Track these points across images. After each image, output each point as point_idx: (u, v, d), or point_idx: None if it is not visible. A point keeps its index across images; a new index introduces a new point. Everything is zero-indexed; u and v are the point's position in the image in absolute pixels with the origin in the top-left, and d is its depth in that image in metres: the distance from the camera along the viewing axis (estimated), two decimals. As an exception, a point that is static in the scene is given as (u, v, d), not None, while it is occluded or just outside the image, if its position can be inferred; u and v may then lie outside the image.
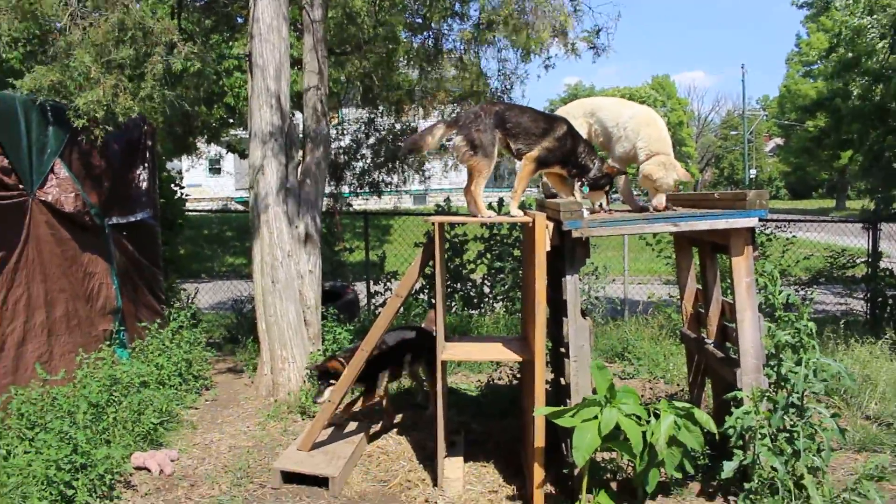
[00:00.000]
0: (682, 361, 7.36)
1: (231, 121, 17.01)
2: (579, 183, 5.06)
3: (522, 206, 5.24)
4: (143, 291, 7.84)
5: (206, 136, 16.52)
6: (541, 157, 4.88)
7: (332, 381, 5.57)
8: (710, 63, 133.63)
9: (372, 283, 11.37)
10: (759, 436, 4.49)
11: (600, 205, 5.18)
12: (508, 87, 9.30)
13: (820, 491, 4.43)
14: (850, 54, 17.78)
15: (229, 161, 40.55)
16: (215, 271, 18.67)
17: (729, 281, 4.92)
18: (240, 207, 32.55)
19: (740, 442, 4.60)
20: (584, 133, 5.37)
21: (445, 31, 8.98)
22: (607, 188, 5.14)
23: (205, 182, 42.70)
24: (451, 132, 4.87)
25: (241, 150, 20.74)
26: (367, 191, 10.74)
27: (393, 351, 6.10)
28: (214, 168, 43.17)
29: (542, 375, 4.64)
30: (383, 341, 5.87)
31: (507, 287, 10.19)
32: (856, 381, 6.52)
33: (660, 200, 5.00)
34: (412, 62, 9.16)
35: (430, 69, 9.08)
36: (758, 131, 63.44)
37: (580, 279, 4.94)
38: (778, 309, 4.73)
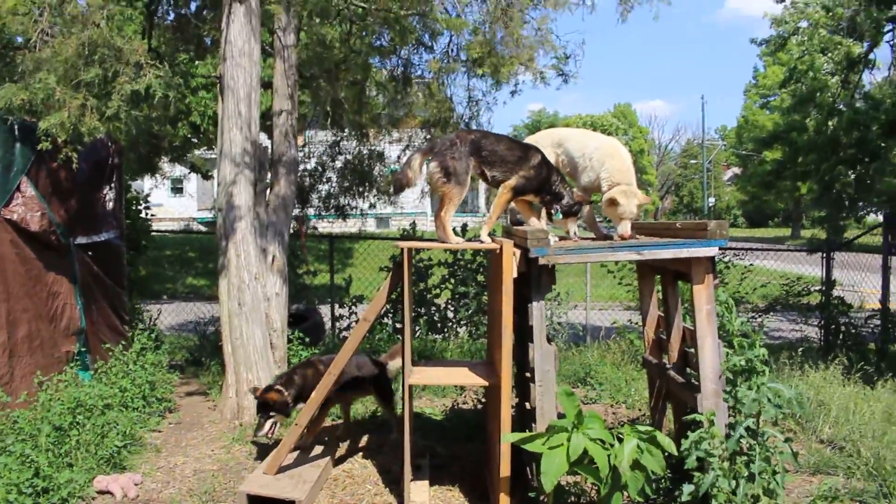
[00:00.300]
0: (644, 386, 7.51)
1: (195, 140, 16.96)
2: (553, 210, 5.17)
3: (490, 234, 5.33)
4: (108, 312, 7.78)
5: (170, 157, 16.44)
6: (518, 186, 4.99)
7: (271, 414, 5.61)
8: (670, 92, 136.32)
9: (336, 306, 11.38)
10: (716, 459, 4.61)
11: (573, 232, 5.30)
12: (476, 113, 9.44)
13: (772, 507, 4.56)
14: (804, 89, 18.36)
15: (192, 181, 40.22)
16: (177, 292, 18.50)
17: (689, 308, 5.05)
18: (202, 228, 32.33)
19: (696, 464, 4.71)
20: None
21: (414, 62, 9.12)
22: (578, 215, 5.28)
23: (167, 202, 42.27)
24: (427, 158, 4.96)
25: (204, 171, 20.64)
26: (334, 214, 10.77)
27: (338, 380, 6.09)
28: (177, 188, 42.79)
29: (508, 400, 4.72)
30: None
31: (470, 312, 10.28)
32: (805, 406, 6.73)
33: (625, 228, 5.12)
34: (381, 88, 9.26)
35: (398, 96, 9.19)
36: (716, 160, 64.72)
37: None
38: (733, 336, 4.89)
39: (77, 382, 6.44)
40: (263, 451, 6.22)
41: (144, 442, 6.41)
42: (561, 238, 5.12)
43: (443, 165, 4.83)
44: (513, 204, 5.62)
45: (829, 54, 15.88)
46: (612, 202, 5.12)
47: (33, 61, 6.12)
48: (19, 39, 6.50)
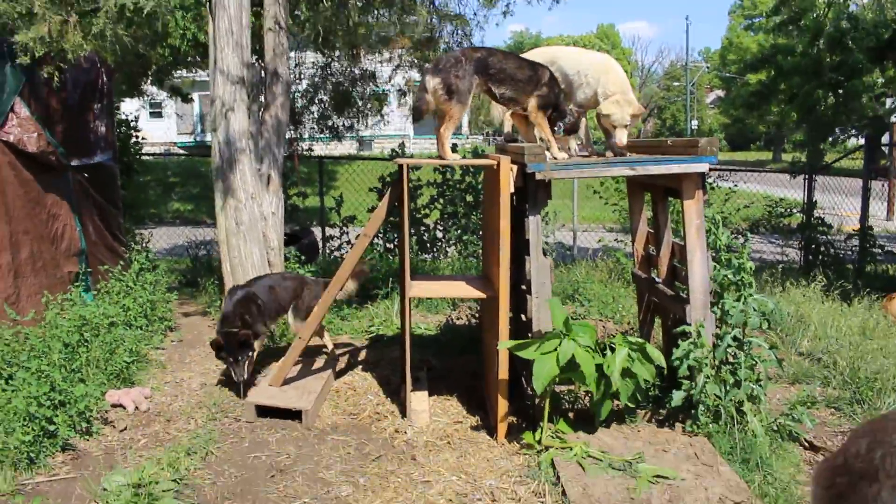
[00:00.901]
0: (631, 303, 7.76)
1: (175, 61, 16.66)
2: (556, 127, 5.27)
3: (478, 153, 5.43)
4: (105, 234, 7.86)
5: (151, 79, 16.19)
6: (540, 105, 5.11)
7: (249, 353, 5.68)
8: (653, 13, 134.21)
9: (327, 227, 11.51)
10: (705, 367, 4.86)
11: (574, 148, 5.42)
12: (468, 32, 9.39)
13: (758, 417, 4.84)
14: (793, 10, 18.21)
15: (170, 105, 39.60)
16: (163, 217, 18.51)
17: (679, 223, 5.22)
18: (183, 152, 32.03)
19: (687, 373, 4.97)
20: None
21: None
22: (577, 132, 5.40)
23: (146, 126, 41.57)
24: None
25: (185, 94, 20.35)
26: (328, 136, 10.80)
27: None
28: (155, 112, 42.10)
29: (506, 311, 4.93)
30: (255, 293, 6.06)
31: (459, 231, 10.45)
32: (788, 318, 7.01)
33: (621, 137, 5.19)
34: (372, 6, 9.16)
35: (387, 14, 9.12)
36: (699, 83, 64.38)
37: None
38: (721, 250, 5.09)
39: (81, 302, 6.56)
40: (265, 365, 6.43)
41: (150, 359, 6.60)
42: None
43: (446, 82, 4.90)
44: (511, 120, 5.72)
45: None
46: (607, 114, 5.21)
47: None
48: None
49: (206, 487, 4.36)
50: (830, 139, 17.85)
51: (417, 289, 5.55)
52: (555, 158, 5.02)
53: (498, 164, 4.80)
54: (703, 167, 4.90)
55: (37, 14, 5.92)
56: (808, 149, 17.20)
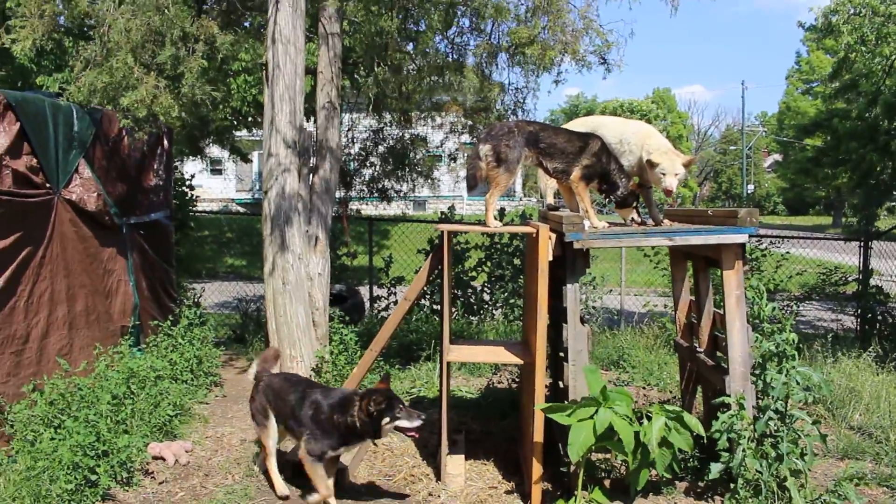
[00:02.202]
0: (675, 370, 7.65)
1: (235, 123, 17.28)
2: (610, 199, 5.33)
3: (526, 216, 5.49)
4: (157, 289, 8.12)
5: (213, 139, 16.81)
6: (584, 176, 5.20)
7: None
8: (709, 77, 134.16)
9: (375, 288, 11.66)
10: (744, 439, 4.77)
11: (632, 219, 5.46)
12: (521, 100, 9.54)
13: (802, 493, 4.71)
14: (848, 75, 18.13)
15: (230, 163, 40.76)
16: (217, 272, 18.93)
17: (720, 293, 5.19)
18: (241, 209, 32.84)
19: (727, 445, 4.88)
20: None
21: (459, 45, 9.22)
22: (634, 204, 5.43)
23: (206, 183, 42.87)
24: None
25: (244, 154, 21.02)
26: (377, 197, 11.01)
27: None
28: (216, 169, 43.38)
29: (542, 376, 4.93)
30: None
31: (506, 294, 10.48)
32: (836, 390, 6.81)
33: (670, 183, 5.20)
34: (424, 74, 9.40)
35: (442, 81, 9.34)
36: (756, 147, 63.88)
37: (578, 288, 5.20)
38: (764, 320, 5.03)
39: (130, 355, 6.76)
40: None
41: (193, 413, 6.73)
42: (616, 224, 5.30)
43: (496, 150, 5.03)
44: (551, 191, 5.79)
45: (881, 42, 15.62)
46: (651, 163, 5.23)
47: (102, 45, 6.42)
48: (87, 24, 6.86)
49: (238, 544, 4.40)
50: (891, 204, 17.57)
51: (456, 353, 5.60)
52: (594, 227, 5.06)
53: (537, 233, 4.86)
54: (742, 238, 4.89)
55: (135, 79, 6.33)
56: (860, 214, 16.92)
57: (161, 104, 6.32)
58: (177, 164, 12.07)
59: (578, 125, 5.96)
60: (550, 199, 6.10)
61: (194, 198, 11.41)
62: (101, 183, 6.97)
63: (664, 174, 5.21)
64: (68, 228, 6.57)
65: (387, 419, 4.56)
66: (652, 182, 5.41)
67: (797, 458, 4.78)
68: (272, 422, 5.13)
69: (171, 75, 6.57)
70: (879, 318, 10.45)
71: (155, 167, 8.15)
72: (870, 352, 8.04)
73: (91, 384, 5.84)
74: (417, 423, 4.61)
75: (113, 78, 6.27)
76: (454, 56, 9.14)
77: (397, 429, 4.65)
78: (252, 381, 5.59)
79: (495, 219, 5.41)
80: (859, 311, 10.92)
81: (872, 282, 10.91)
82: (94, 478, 4.82)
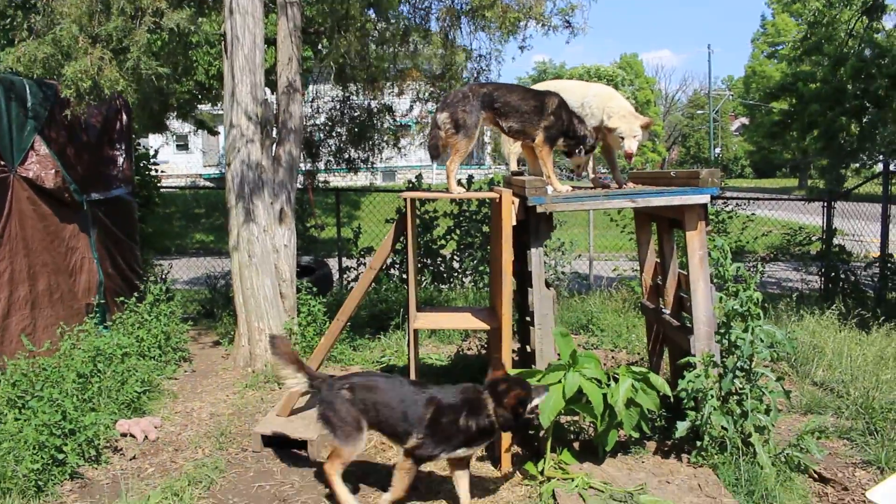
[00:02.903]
0: (643, 332, 7.72)
1: (199, 96, 17.02)
2: (577, 151, 5.29)
3: (495, 184, 5.49)
4: (122, 266, 8.03)
5: (176, 113, 16.56)
6: (547, 138, 5.17)
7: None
8: (676, 42, 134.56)
9: (344, 258, 11.62)
10: (710, 397, 4.84)
11: (590, 167, 5.49)
12: (485, 66, 9.49)
13: (766, 448, 4.79)
14: (813, 39, 18.24)
15: (197, 137, 40.25)
16: (186, 248, 18.75)
17: (685, 254, 5.23)
18: (208, 184, 32.48)
19: (692, 404, 4.95)
20: None
21: (426, 10, 9.11)
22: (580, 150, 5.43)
23: (172, 159, 42.32)
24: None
25: (210, 127, 20.74)
26: (344, 168, 10.93)
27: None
28: (182, 145, 42.80)
29: (508, 342, 4.94)
30: None
31: (475, 262, 10.49)
32: (798, 348, 6.92)
33: (630, 145, 5.26)
34: (389, 42, 9.30)
35: (403, 49, 9.25)
36: (723, 110, 64.21)
37: (547, 254, 5.22)
38: (728, 280, 5.08)
39: (96, 333, 6.68)
40: (275, 396, 6.49)
41: (162, 388, 6.69)
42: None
43: (453, 117, 4.99)
44: (515, 156, 5.78)
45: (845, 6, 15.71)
46: (609, 128, 5.28)
47: (47, 17, 6.25)
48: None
49: (209, 517, 4.40)
50: (856, 165, 17.77)
51: (423, 320, 5.59)
52: (557, 191, 5.06)
53: (500, 198, 4.85)
54: (704, 199, 4.92)
55: (80, 48, 6.14)
56: (827, 175, 17.08)
57: (106, 76, 6.16)
58: (140, 140, 11.89)
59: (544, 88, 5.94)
60: (514, 165, 6.09)
61: (159, 173, 11.23)
62: (58, 159, 6.84)
63: (623, 137, 5.25)
64: (26, 206, 6.45)
65: (527, 406, 4.26)
66: (612, 145, 5.43)
67: (761, 415, 4.85)
68: (364, 435, 4.43)
69: (117, 48, 6.39)
70: (842, 276, 10.61)
71: (114, 142, 8.01)
72: (833, 310, 8.17)
73: (56, 363, 5.77)
74: (545, 394, 4.44)
75: (57, 48, 6.10)
76: (417, 20, 9.04)
77: (531, 412, 4.35)
78: (301, 390, 4.89)
79: (460, 184, 5.38)
80: (823, 270, 11.08)
81: (836, 242, 11.07)
82: (61, 457, 4.79)
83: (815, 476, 4.86)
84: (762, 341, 4.99)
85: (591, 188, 5.61)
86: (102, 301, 7.46)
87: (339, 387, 4.46)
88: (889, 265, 10.45)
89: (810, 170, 48.63)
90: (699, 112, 64.36)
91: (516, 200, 4.88)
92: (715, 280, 5.19)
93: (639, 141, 5.30)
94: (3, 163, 6.17)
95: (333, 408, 4.39)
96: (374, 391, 4.43)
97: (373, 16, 9.74)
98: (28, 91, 6.47)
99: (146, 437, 5.59)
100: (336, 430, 4.36)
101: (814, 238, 11.77)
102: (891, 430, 5.31)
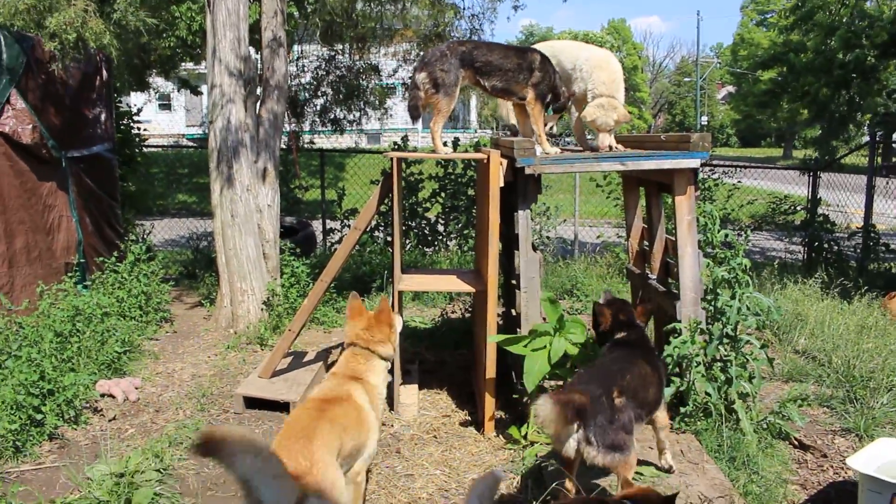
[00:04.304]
0: (629, 298, 7.71)
1: (181, 53, 16.70)
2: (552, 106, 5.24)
3: (480, 146, 5.41)
4: (102, 225, 7.88)
5: (158, 70, 16.24)
6: (539, 94, 5.11)
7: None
8: (665, 8, 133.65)
9: (328, 220, 11.52)
10: (695, 364, 4.82)
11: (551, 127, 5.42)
12: (478, 26, 9.34)
13: (749, 415, 4.80)
14: (804, 8, 18.09)
15: (180, 97, 39.66)
16: (169, 208, 18.56)
17: (673, 219, 5.18)
18: (191, 144, 32.09)
19: (677, 370, 4.93)
20: None
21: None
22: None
23: (155, 118, 41.70)
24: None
25: (193, 86, 20.40)
26: (330, 128, 10.79)
27: None
28: (164, 104, 42.19)
29: (494, 305, 4.90)
30: None
31: (460, 225, 10.43)
32: (784, 316, 6.94)
33: (604, 140, 5.22)
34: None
35: (392, 7, 9.08)
36: (710, 78, 64.04)
37: (532, 218, 5.16)
38: (717, 247, 5.05)
39: (75, 292, 6.57)
40: (258, 358, 6.44)
41: (143, 349, 6.61)
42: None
43: (432, 76, 4.89)
44: (513, 112, 5.67)
45: None
46: (589, 119, 5.23)
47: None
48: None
49: (189, 477, 4.36)
50: (844, 136, 17.76)
51: (408, 282, 5.54)
52: (546, 153, 4.99)
53: (488, 159, 4.77)
54: (694, 163, 4.86)
55: (63, 1, 5.96)
56: (819, 146, 17.04)
57: (91, 29, 5.98)
58: (122, 98, 11.65)
59: (539, 49, 5.82)
60: (514, 120, 5.95)
61: (142, 131, 11.01)
62: (36, 115, 6.65)
63: (598, 130, 5.26)
64: (2, 162, 6.30)
65: None
66: (590, 126, 5.36)
67: (745, 382, 4.85)
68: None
69: (102, 0, 6.21)
70: (826, 246, 10.64)
71: (94, 98, 7.80)
72: (816, 279, 8.19)
73: (34, 322, 5.68)
74: None
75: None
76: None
77: None
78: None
79: (446, 146, 5.30)
80: (807, 240, 11.10)
81: (820, 211, 11.08)
82: (39, 417, 4.71)
83: (796, 443, 4.89)
84: (749, 309, 4.98)
85: (580, 150, 5.54)
86: (82, 260, 7.33)
87: None
88: (872, 236, 10.49)
89: (795, 139, 48.83)
90: (686, 79, 64.22)
91: (504, 161, 4.81)
92: (702, 246, 5.16)
93: (612, 134, 5.30)
94: (-23, 117, 6.00)
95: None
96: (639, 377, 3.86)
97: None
98: (3, 43, 6.26)
99: (126, 397, 5.53)
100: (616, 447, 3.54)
101: (798, 208, 11.78)
102: (870, 399, 5.34)
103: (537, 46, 5.83)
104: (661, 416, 4.07)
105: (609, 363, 3.87)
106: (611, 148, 5.25)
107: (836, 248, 10.56)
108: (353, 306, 3.94)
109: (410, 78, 5.23)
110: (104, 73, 7.97)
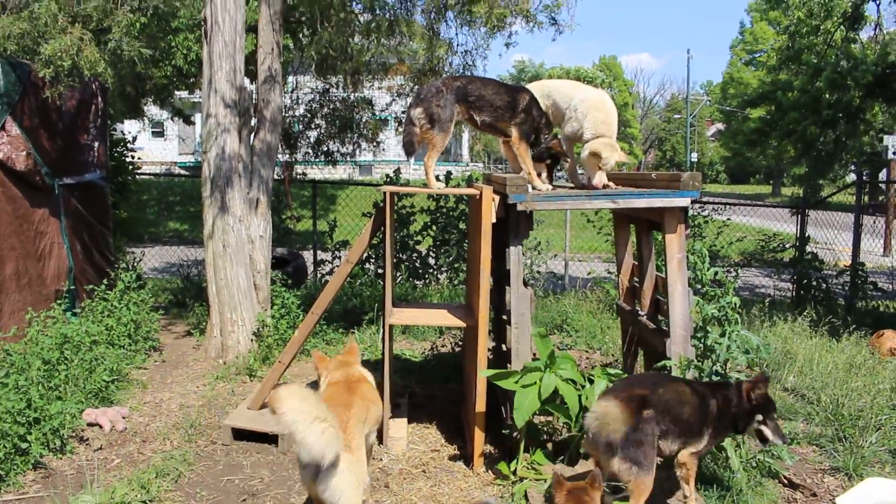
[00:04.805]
0: (618, 334, 7.72)
1: (176, 82, 16.79)
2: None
3: (473, 180, 5.45)
4: (93, 252, 7.87)
5: (153, 98, 16.32)
6: (522, 134, 5.17)
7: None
8: (656, 45, 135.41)
9: (319, 251, 11.52)
10: (684, 401, 4.83)
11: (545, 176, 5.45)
12: (471, 62, 9.44)
13: (738, 452, 4.80)
14: (793, 49, 18.37)
15: (174, 125, 39.75)
16: (160, 236, 18.53)
17: (663, 257, 5.22)
18: (184, 172, 32.11)
19: (667, 407, 4.94)
20: None
21: (412, 4, 9.02)
22: (548, 162, 5.41)
23: (147, 145, 41.73)
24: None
25: (187, 115, 20.48)
26: (323, 160, 10.83)
27: None
28: (157, 132, 42.27)
29: (485, 340, 4.91)
30: None
31: (451, 258, 10.45)
32: (773, 354, 6.96)
33: (600, 178, 5.25)
34: (371, 34, 9.20)
35: (387, 42, 9.17)
36: (700, 116, 64.70)
37: (523, 253, 5.19)
38: (706, 285, 5.08)
39: (64, 319, 6.54)
40: (247, 389, 6.41)
41: (131, 378, 6.57)
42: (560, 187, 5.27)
43: (427, 112, 4.95)
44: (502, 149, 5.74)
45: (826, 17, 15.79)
46: (595, 154, 5.21)
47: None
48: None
49: (175, 510, 4.32)
50: (830, 175, 17.95)
51: (399, 316, 5.54)
52: (537, 190, 5.03)
53: (481, 195, 4.81)
54: (684, 202, 4.91)
55: (59, 27, 6.00)
56: (805, 184, 17.21)
57: (86, 57, 6.02)
58: (116, 125, 11.69)
59: (535, 88, 5.87)
60: None
61: (136, 159, 11.04)
62: (30, 141, 6.68)
63: (600, 168, 5.24)
64: (-5, 188, 6.30)
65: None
66: (586, 165, 5.38)
67: (734, 420, 4.85)
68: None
69: (98, 29, 6.26)
70: (814, 284, 10.71)
71: (89, 126, 7.84)
72: (804, 316, 8.23)
73: (22, 349, 5.64)
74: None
75: (34, 26, 5.95)
76: (402, 12, 8.96)
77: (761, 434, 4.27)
78: None
79: (438, 180, 5.34)
80: (795, 277, 11.17)
81: (808, 249, 11.16)
82: (24, 446, 4.68)
83: (786, 482, 4.88)
84: (738, 347, 5.01)
85: (572, 188, 5.59)
86: (72, 287, 7.32)
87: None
88: (860, 274, 10.57)
89: (784, 177, 49.25)
90: (676, 116, 64.83)
91: (496, 198, 4.85)
92: (692, 284, 5.19)
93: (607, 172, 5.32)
94: (-28, 143, 6.01)
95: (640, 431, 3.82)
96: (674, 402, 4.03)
97: (356, 7, 9.66)
98: (0, 69, 6.30)
99: (113, 427, 5.48)
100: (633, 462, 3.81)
101: (787, 245, 11.86)
102: (859, 438, 5.34)
103: (531, 86, 5.90)
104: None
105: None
106: (604, 186, 5.29)
107: (824, 285, 10.63)
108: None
109: (405, 113, 5.28)
110: (99, 100, 8.02)
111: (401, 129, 11.93)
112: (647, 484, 3.74)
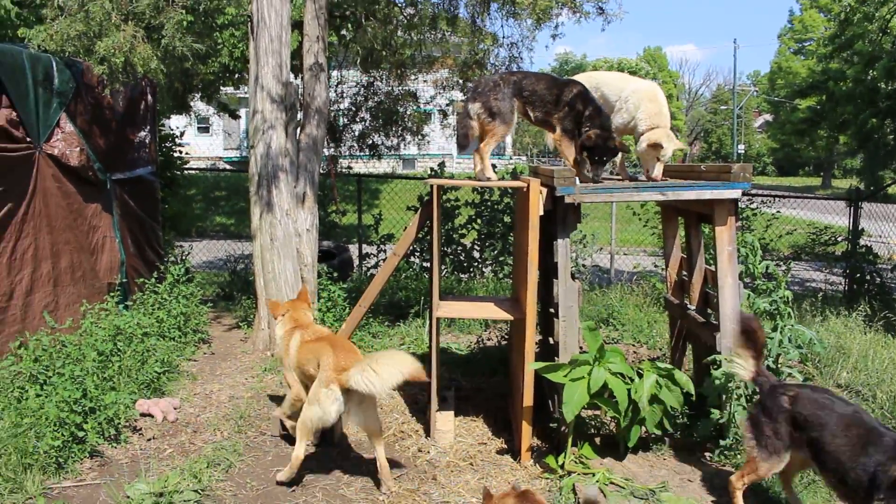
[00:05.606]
0: (665, 328, 7.65)
1: (222, 78, 17.00)
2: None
3: (517, 174, 5.43)
4: (143, 246, 8.02)
5: (200, 95, 16.56)
6: (564, 129, 5.14)
7: None
8: (701, 36, 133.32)
9: (364, 245, 11.59)
10: (736, 396, 4.76)
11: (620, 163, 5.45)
12: (517, 54, 9.38)
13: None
14: (845, 35, 17.93)
15: (219, 120, 40.24)
16: (206, 230, 18.80)
17: (712, 250, 5.14)
18: (228, 167, 32.54)
19: (717, 402, 4.88)
20: None
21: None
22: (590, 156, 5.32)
23: (193, 141, 42.28)
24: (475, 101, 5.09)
25: (232, 111, 20.73)
26: (367, 154, 10.88)
27: None
28: (203, 127, 42.83)
29: (532, 333, 4.89)
30: None
31: (496, 252, 10.42)
32: (827, 349, 6.81)
33: (659, 170, 5.16)
34: (416, 28, 9.19)
35: (431, 35, 9.16)
36: (747, 107, 63.54)
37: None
38: (758, 278, 5.00)
39: (117, 312, 6.68)
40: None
41: (181, 370, 6.69)
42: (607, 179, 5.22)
43: (486, 106, 5.01)
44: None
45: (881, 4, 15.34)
46: (655, 144, 5.11)
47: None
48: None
49: (226, 499, 4.38)
50: (893, 166, 17.41)
51: (445, 309, 5.55)
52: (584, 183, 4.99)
53: (528, 187, 4.78)
54: (735, 193, 4.82)
55: (112, 26, 6.11)
56: (864, 176, 16.74)
57: (139, 54, 6.12)
58: (163, 121, 11.87)
59: (582, 80, 5.80)
60: None
61: (184, 154, 11.21)
62: (83, 138, 6.83)
63: (658, 159, 5.14)
64: (51, 184, 6.44)
65: None
66: (644, 156, 5.27)
67: (786, 415, 4.77)
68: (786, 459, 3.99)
69: (150, 25, 6.36)
70: (868, 278, 10.44)
71: (139, 122, 7.99)
72: (858, 311, 8.05)
73: (77, 341, 5.78)
74: None
75: (89, 26, 6.06)
76: (446, 6, 8.93)
77: None
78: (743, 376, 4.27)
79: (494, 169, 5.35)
80: (848, 271, 10.92)
81: (862, 242, 10.90)
82: (81, 434, 4.80)
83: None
84: (790, 341, 4.92)
85: (620, 180, 5.53)
86: (124, 280, 7.47)
87: (781, 393, 4.00)
88: (916, 268, 10.29)
89: (833, 169, 48.22)
90: (722, 108, 63.76)
91: (544, 190, 4.82)
92: (744, 277, 5.11)
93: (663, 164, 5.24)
94: (28, 139, 6.15)
95: (768, 415, 3.97)
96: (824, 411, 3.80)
97: (400, 1, 9.67)
98: (55, 68, 6.45)
99: (165, 417, 5.59)
100: (758, 442, 3.94)
101: (839, 238, 11.60)
102: (917, 435, 5.21)
103: (578, 77, 5.84)
104: None
105: None
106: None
107: (878, 279, 10.36)
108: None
109: (461, 107, 5.29)
110: (149, 97, 8.16)
111: (444, 122, 11.98)
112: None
